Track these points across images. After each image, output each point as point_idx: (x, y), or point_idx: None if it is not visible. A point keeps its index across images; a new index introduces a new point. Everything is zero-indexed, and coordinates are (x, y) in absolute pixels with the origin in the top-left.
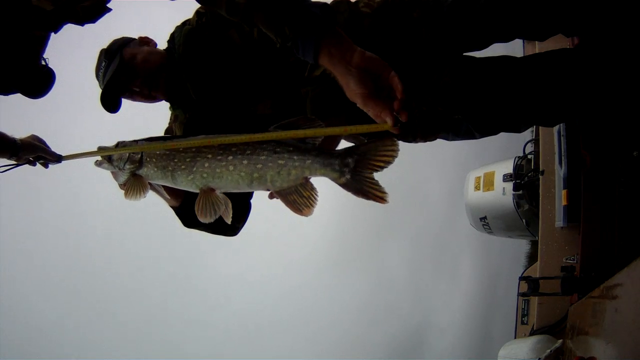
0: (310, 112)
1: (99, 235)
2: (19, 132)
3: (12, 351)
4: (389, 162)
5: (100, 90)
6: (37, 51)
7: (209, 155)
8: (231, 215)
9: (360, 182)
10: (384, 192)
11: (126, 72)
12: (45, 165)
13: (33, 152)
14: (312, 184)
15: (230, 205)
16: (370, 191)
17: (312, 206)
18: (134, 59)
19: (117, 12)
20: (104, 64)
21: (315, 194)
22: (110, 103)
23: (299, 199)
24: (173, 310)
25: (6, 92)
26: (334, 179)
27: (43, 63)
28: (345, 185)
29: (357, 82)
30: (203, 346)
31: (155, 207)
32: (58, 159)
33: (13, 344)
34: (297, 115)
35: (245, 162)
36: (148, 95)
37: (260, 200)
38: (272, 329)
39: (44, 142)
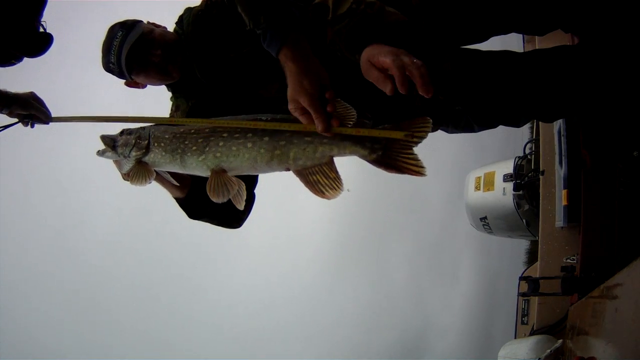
0: (347, 49)
1: (104, 237)
2: None
3: (12, 351)
4: (422, 138)
5: (103, 60)
6: (33, 13)
7: (225, 134)
8: (244, 200)
9: (394, 158)
10: (422, 166)
11: (145, 42)
12: (32, 125)
13: (26, 108)
14: (335, 166)
15: (243, 187)
16: (406, 166)
17: (339, 189)
18: (152, 32)
19: (116, 13)
20: (120, 33)
21: (340, 176)
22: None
23: (324, 179)
24: (177, 312)
25: (7, 61)
26: (363, 156)
27: (41, 30)
28: (376, 162)
29: (313, 82)
30: (205, 347)
31: (161, 207)
32: (48, 119)
33: (13, 344)
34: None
35: (266, 138)
36: (164, 69)
37: (263, 203)
38: (274, 331)
39: (41, 101)
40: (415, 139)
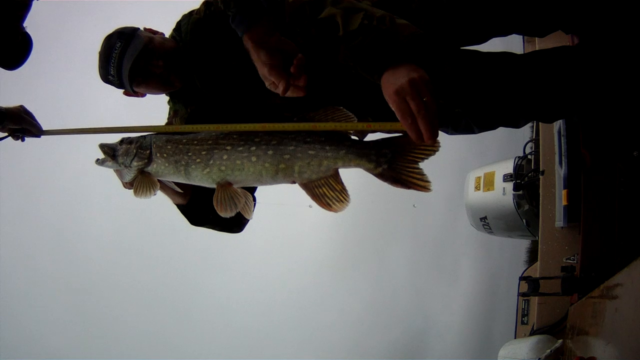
0: (364, 70)
1: (105, 239)
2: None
3: (13, 352)
4: (430, 155)
5: (101, 71)
6: (18, 15)
7: (228, 147)
8: (252, 210)
9: (400, 172)
10: (428, 181)
11: (147, 54)
12: (22, 139)
13: (18, 122)
14: (341, 178)
15: (250, 198)
16: (412, 181)
17: (345, 201)
18: (152, 41)
19: (116, 15)
20: (118, 44)
21: (346, 189)
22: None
23: (330, 192)
24: (177, 314)
25: None
26: (368, 170)
27: (23, 31)
28: (381, 176)
29: (267, 54)
30: (205, 347)
31: (162, 210)
32: (39, 132)
33: (14, 345)
34: (312, 100)
35: (270, 152)
36: (166, 80)
37: (263, 204)
38: (274, 331)
39: (31, 115)
40: (421, 156)
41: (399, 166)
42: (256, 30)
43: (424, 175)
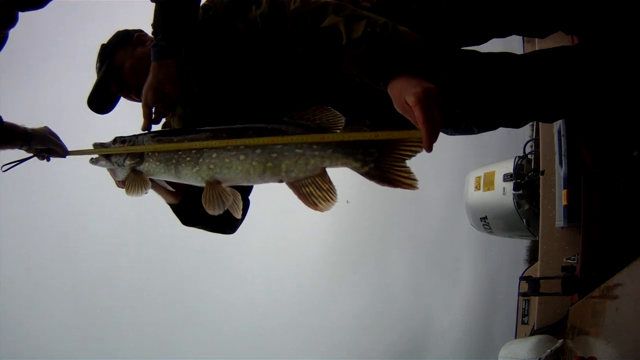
0: (369, 77)
1: (105, 240)
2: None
3: (13, 351)
4: (417, 152)
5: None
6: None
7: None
8: (241, 208)
9: (386, 171)
10: (414, 179)
11: (116, 79)
12: (48, 159)
13: (44, 143)
14: (329, 177)
15: (239, 197)
16: (398, 179)
17: (332, 200)
18: (123, 68)
19: (118, 11)
20: (97, 65)
21: (334, 188)
22: (97, 106)
23: (316, 191)
24: (178, 314)
25: None
26: (355, 169)
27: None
28: (367, 175)
29: (154, 96)
30: (204, 348)
31: (162, 211)
32: (65, 153)
33: (14, 345)
34: (312, 104)
35: (258, 150)
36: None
37: (263, 205)
38: (274, 331)
39: (56, 135)
40: (407, 154)
41: (386, 165)
42: (165, 65)
43: (411, 173)
